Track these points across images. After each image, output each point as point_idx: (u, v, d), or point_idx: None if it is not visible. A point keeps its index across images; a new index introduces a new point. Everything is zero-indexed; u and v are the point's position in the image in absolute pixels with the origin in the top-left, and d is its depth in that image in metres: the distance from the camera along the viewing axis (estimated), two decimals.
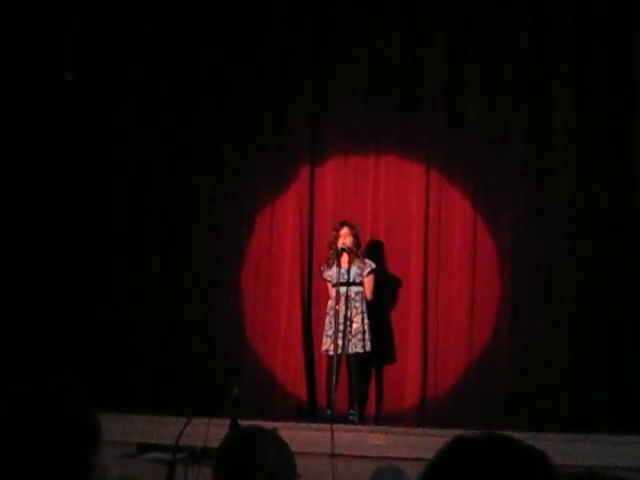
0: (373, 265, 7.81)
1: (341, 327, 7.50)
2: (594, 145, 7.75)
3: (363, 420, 7.63)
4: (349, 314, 7.58)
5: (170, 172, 8.82)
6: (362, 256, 7.82)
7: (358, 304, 7.66)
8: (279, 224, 8.61)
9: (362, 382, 7.82)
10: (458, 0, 8.30)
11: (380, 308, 8.04)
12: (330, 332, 7.55)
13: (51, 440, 1.95)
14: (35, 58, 8.64)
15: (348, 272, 7.65)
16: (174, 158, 8.82)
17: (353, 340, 7.56)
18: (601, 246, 7.61)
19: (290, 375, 8.29)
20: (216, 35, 8.80)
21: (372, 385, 8.05)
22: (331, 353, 7.49)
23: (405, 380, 8.05)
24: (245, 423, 5.30)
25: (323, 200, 8.57)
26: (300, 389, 8.19)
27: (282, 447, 2.54)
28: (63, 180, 8.70)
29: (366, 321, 7.65)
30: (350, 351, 7.56)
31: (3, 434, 1.96)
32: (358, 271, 7.73)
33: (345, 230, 7.74)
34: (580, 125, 7.82)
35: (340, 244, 7.69)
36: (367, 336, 7.61)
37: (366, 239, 8.17)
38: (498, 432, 1.54)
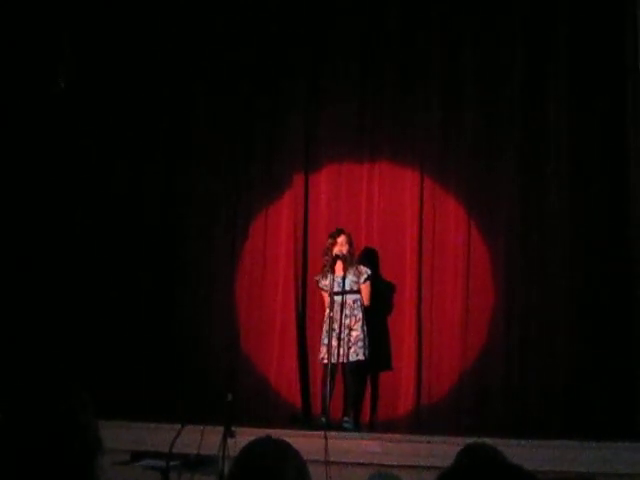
0: (369, 272, 7.81)
1: (339, 335, 7.49)
2: (588, 153, 7.76)
3: (358, 427, 7.62)
4: (348, 322, 7.58)
5: (164, 180, 8.81)
6: (356, 263, 7.82)
7: (357, 312, 7.66)
8: (273, 231, 8.61)
9: (359, 389, 7.83)
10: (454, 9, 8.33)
11: (374, 314, 8.03)
12: (326, 340, 7.54)
13: (52, 452, 1.95)
14: (28, 65, 8.64)
15: (343, 280, 7.65)
16: (170, 164, 8.81)
17: (354, 348, 7.55)
18: (595, 251, 7.61)
19: (284, 382, 8.28)
20: (211, 43, 8.81)
21: (367, 392, 8.05)
22: (325, 361, 7.48)
23: (399, 387, 8.04)
24: (239, 430, 5.32)
25: (317, 207, 8.57)
26: (294, 396, 8.18)
27: (303, 465, 2.53)
28: (58, 183, 8.68)
29: (365, 328, 7.66)
30: (351, 359, 7.55)
31: (4, 445, 1.96)
32: (354, 279, 7.72)
33: (342, 238, 7.74)
34: (574, 133, 7.83)
35: (336, 252, 7.68)
36: (366, 343, 7.62)
37: (360, 246, 8.17)
38: (483, 458, 1.51)
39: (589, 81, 7.83)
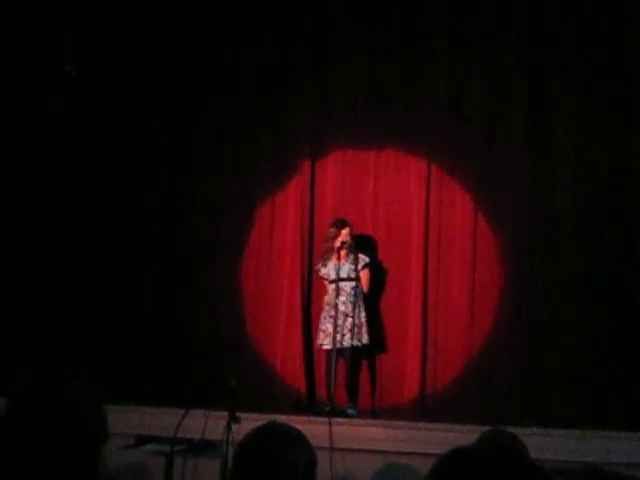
0: (367, 259, 7.85)
1: (338, 322, 7.52)
2: (596, 140, 7.71)
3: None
4: (344, 309, 7.60)
5: (170, 165, 8.80)
6: (355, 251, 7.83)
7: (353, 299, 7.68)
8: (280, 218, 8.60)
9: (356, 374, 7.84)
10: None
11: (380, 302, 8.04)
12: (325, 326, 7.58)
13: (58, 439, 1.94)
14: (37, 53, 8.62)
15: (343, 268, 7.68)
16: (174, 151, 8.80)
17: (349, 334, 7.58)
18: (603, 240, 7.58)
19: (289, 368, 8.29)
20: (217, 30, 8.77)
21: (370, 378, 8.05)
22: (329, 347, 7.50)
23: (404, 374, 8.04)
24: (243, 416, 5.32)
25: (324, 194, 8.56)
26: (299, 382, 8.19)
27: (306, 446, 2.53)
28: (62, 176, 8.66)
29: (363, 314, 7.69)
30: (346, 345, 7.58)
31: (10, 432, 1.96)
32: (352, 266, 7.75)
33: (347, 230, 7.76)
34: (582, 120, 7.79)
35: (339, 242, 7.70)
36: (364, 329, 7.65)
37: (366, 233, 8.16)
38: (498, 444, 1.50)
39: (598, 67, 7.77)
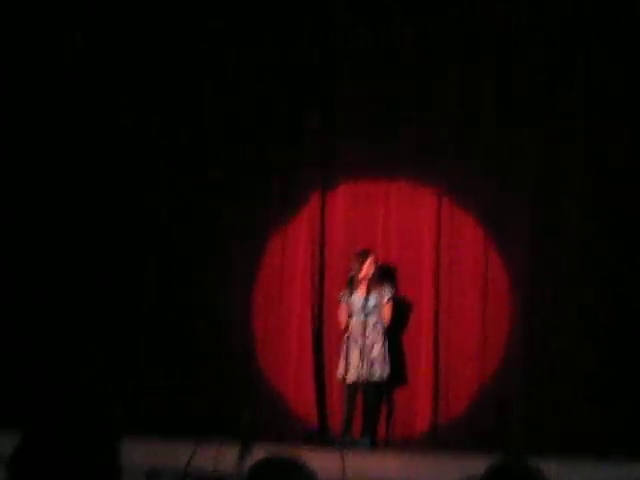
0: (392, 291, 7.87)
1: (361, 355, 7.51)
2: (607, 168, 7.72)
3: (374, 445, 7.58)
4: (368, 342, 7.59)
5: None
6: (379, 283, 7.82)
7: (377, 332, 7.67)
8: (290, 248, 8.58)
9: (377, 408, 7.80)
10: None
11: (392, 333, 8.02)
12: (349, 359, 7.57)
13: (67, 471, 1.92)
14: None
15: (366, 301, 7.66)
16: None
17: (374, 367, 7.56)
18: (614, 269, 7.56)
19: (301, 400, 8.25)
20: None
21: (383, 410, 8.01)
22: (348, 381, 7.47)
23: (416, 404, 8.01)
24: (255, 447, 5.27)
25: (334, 225, 8.54)
26: (311, 414, 8.14)
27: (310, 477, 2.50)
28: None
29: (385, 348, 7.70)
30: (370, 378, 7.55)
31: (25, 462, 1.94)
32: (378, 299, 7.75)
33: (371, 259, 7.78)
34: (591, 152, 7.80)
35: (364, 273, 7.71)
36: (387, 362, 7.64)
37: (377, 265, 8.15)
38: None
39: (609, 91, 7.79)
